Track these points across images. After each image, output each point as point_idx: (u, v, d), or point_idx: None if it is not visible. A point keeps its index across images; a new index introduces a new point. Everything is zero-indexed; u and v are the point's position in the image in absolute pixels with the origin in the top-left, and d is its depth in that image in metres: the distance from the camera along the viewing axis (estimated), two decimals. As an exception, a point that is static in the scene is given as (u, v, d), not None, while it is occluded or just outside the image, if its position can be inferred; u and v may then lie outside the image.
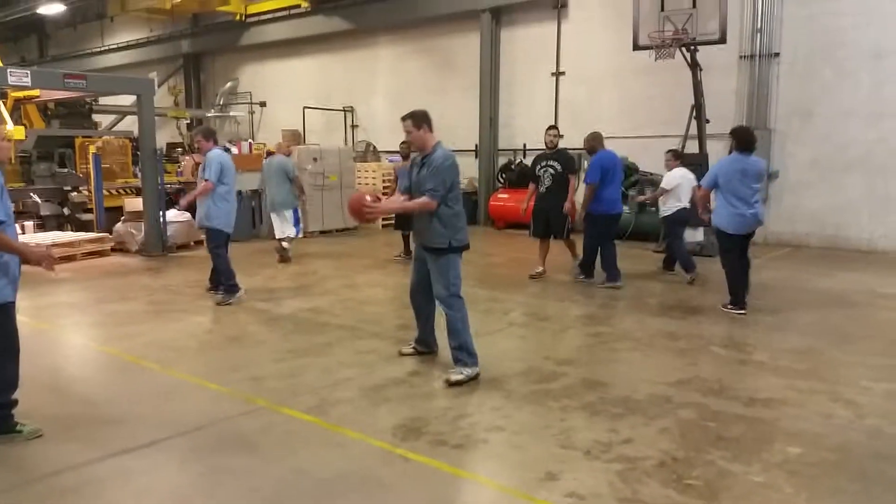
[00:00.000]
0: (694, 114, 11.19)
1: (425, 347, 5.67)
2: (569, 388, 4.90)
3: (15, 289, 4.12)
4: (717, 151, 12.27)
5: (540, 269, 8.99)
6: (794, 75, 12.06)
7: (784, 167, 12.24)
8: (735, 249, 7.14)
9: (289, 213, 10.45)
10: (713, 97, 11.73)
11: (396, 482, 3.56)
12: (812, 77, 11.92)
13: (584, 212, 8.42)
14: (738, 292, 7.15)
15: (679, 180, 9.02)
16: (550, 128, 9.10)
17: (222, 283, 7.83)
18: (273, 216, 10.55)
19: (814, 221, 12.08)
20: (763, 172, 7.23)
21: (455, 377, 5.02)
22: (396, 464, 3.76)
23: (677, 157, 9.49)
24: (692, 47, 10.78)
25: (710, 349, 5.89)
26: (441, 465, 3.73)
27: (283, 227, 10.41)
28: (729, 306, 7.17)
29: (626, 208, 12.15)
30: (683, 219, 9.05)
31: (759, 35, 12.23)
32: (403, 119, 5.14)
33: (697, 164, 11.12)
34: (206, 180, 7.53)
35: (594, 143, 8.58)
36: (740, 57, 12.40)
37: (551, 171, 8.67)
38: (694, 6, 10.52)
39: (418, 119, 5.07)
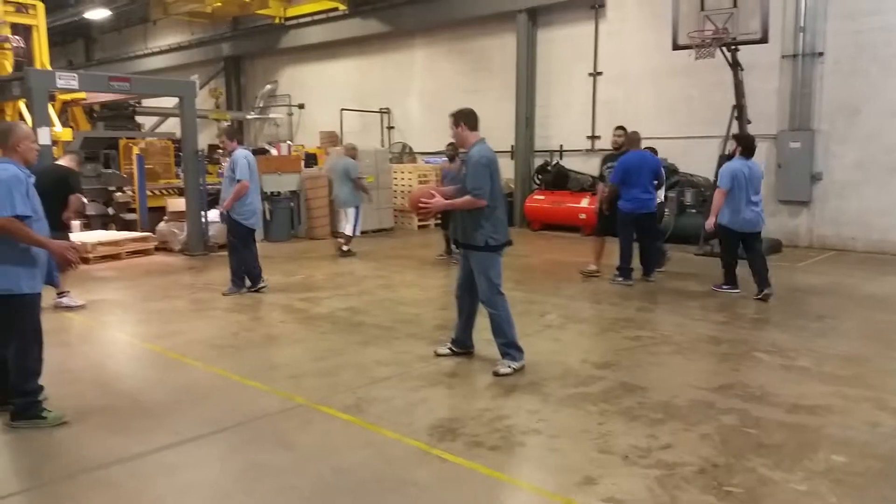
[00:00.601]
0: (735, 114, 11.00)
1: (462, 348, 5.70)
2: (607, 392, 4.86)
3: (41, 281, 4.34)
4: (759, 153, 12.03)
5: (593, 266, 9.05)
6: (839, 74, 11.77)
7: (828, 169, 11.94)
8: (737, 245, 7.95)
9: (350, 212, 10.95)
10: (755, 97, 11.51)
11: (433, 484, 3.58)
12: (857, 76, 11.61)
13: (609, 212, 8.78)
14: (731, 272, 8.04)
15: None
16: (616, 128, 9.26)
17: (236, 273, 8.21)
18: (339, 212, 11.39)
19: (859, 224, 11.76)
20: (762, 176, 8.06)
21: (503, 370, 5.21)
22: (433, 465, 3.78)
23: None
24: (733, 47, 10.59)
25: (753, 354, 5.79)
26: (478, 467, 3.73)
27: (344, 224, 11.13)
28: (724, 286, 8.05)
29: (666, 211, 12.05)
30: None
31: (802, 34, 11.96)
32: (449, 117, 5.31)
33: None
34: (239, 180, 7.85)
35: (628, 143, 8.79)
36: (783, 56, 12.14)
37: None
38: (735, 5, 10.31)
39: (457, 117, 5.25)
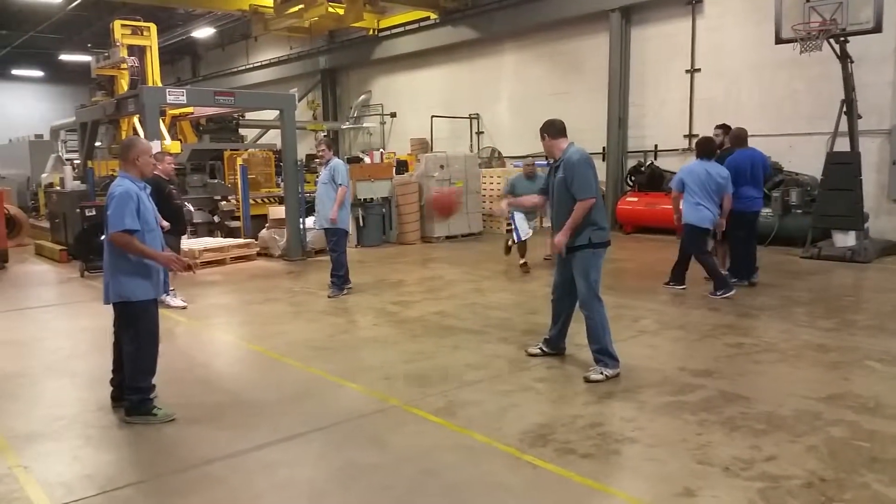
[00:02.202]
0: (844, 109, 10.38)
1: (554, 349, 5.68)
2: (707, 401, 4.68)
3: (157, 290, 4.63)
4: (871, 150, 11.35)
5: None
6: (964, 63, 10.91)
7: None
8: (702, 243, 8.03)
9: (517, 217, 10.46)
10: (866, 91, 10.82)
11: (524, 491, 3.55)
12: None
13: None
14: (719, 275, 7.96)
15: None
16: (717, 127, 9.09)
17: (337, 276, 8.53)
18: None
19: None
20: (726, 176, 7.90)
21: (594, 376, 5.11)
22: (524, 471, 3.76)
23: None
24: (842, 38, 10.00)
25: (865, 363, 5.43)
26: (570, 475, 3.68)
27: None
28: (718, 293, 7.85)
29: (768, 211, 11.50)
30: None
31: (921, 21, 11.14)
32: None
33: (848, 162, 10.36)
34: (341, 185, 8.31)
35: (733, 141, 8.58)
36: (898, 46, 11.36)
37: None
38: (844, -6, 9.76)
39: (542, 129, 5.34)
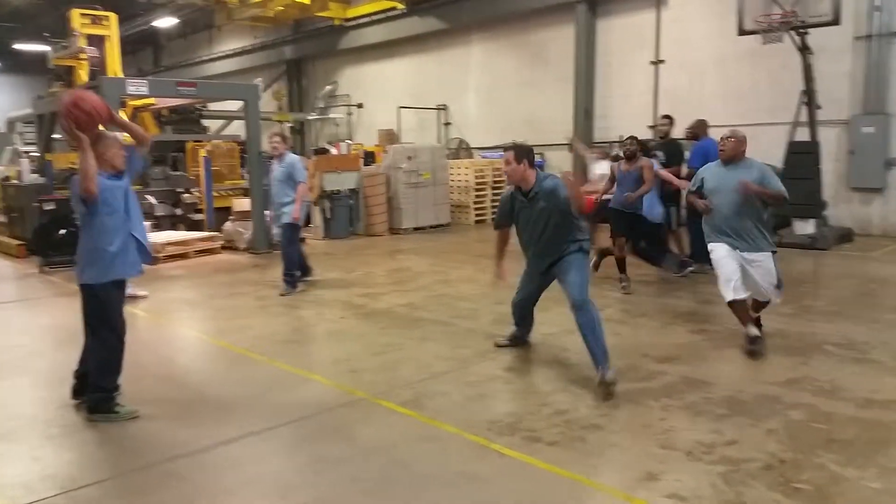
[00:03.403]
0: (804, 100, 10.60)
1: (520, 340, 5.78)
2: (669, 387, 4.76)
3: (107, 272, 4.45)
4: (830, 139, 11.59)
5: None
6: (918, 55, 11.19)
7: (907, 153, 11.39)
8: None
9: None
10: (825, 81, 11.05)
11: (492, 478, 3.58)
12: (938, 56, 11.02)
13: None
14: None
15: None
16: (662, 116, 9.30)
17: (289, 274, 8.30)
18: None
19: (940, 211, 11.18)
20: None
21: (610, 375, 4.65)
22: (492, 460, 3.78)
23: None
24: (802, 30, 10.20)
25: (823, 348, 5.58)
26: (537, 462, 3.72)
27: None
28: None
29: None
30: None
31: (877, 13, 11.42)
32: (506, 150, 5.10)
33: (808, 152, 10.58)
34: (302, 182, 8.16)
35: (697, 130, 8.70)
36: (855, 38, 11.61)
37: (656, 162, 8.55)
38: (804, -14, 9.95)
39: (519, 153, 4.98)
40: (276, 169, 8.23)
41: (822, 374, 4.95)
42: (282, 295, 8.14)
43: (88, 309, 4.47)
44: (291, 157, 8.27)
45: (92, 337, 4.50)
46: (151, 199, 12.62)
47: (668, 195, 8.61)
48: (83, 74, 13.83)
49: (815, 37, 10.36)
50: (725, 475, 3.49)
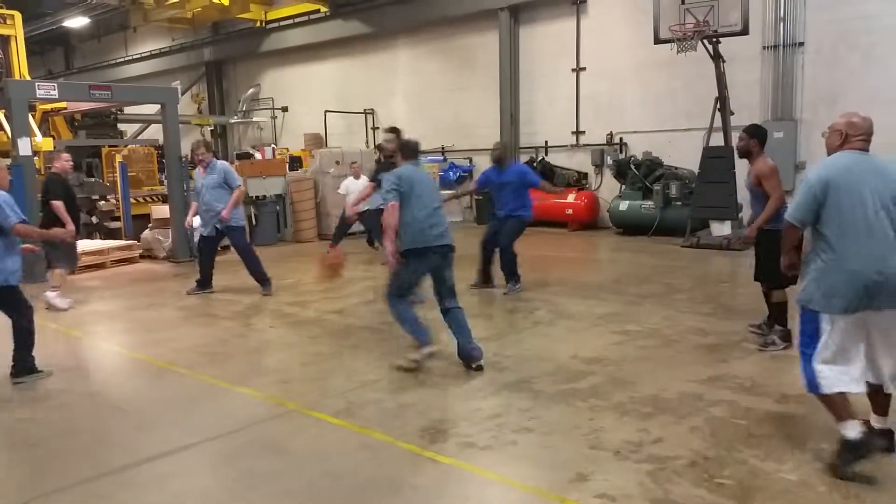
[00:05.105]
0: (718, 106, 11.07)
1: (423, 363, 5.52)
2: (597, 388, 4.87)
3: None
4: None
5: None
6: (820, 63, 11.86)
7: (811, 157, 12.02)
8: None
9: None
10: (737, 88, 11.59)
11: (426, 485, 3.57)
12: (838, 64, 11.71)
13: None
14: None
15: None
16: (388, 130, 8.07)
17: (262, 273, 8.52)
18: None
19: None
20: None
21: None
22: (425, 467, 3.77)
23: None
24: (714, 39, 10.65)
25: (741, 345, 5.82)
26: (470, 468, 3.73)
27: None
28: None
29: (650, 203, 12.14)
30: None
31: (782, 24, 12.05)
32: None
33: (722, 156, 11.05)
34: (239, 186, 8.28)
35: (503, 152, 8.29)
36: (763, 47, 12.22)
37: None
38: (715, -2, 10.40)
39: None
40: (207, 176, 8.25)
41: (741, 371, 5.16)
42: (264, 295, 8.33)
43: None
44: (221, 164, 8.38)
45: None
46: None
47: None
48: (-14, 76, 13.07)
49: (726, 46, 10.84)
50: (653, 473, 3.59)
